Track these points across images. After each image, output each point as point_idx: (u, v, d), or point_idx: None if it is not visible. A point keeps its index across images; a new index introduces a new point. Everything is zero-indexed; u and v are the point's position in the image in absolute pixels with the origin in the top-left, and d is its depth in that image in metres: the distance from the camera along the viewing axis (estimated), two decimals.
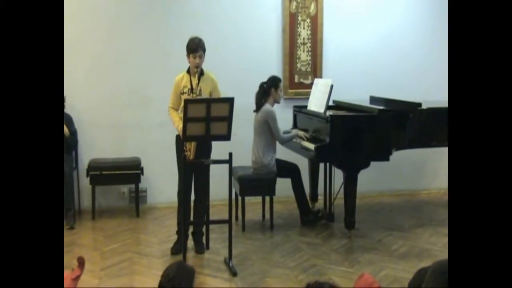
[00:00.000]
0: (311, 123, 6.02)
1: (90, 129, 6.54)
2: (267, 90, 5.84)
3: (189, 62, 5.08)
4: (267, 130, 5.76)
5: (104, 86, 6.57)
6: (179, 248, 5.11)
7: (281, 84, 5.97)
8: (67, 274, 3.00)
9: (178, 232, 5.26)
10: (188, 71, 5.12)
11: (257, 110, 5.86)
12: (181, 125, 4.89)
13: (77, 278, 3.14)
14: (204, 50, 5.06)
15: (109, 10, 6.55)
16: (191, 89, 5.05)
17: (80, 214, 6.38)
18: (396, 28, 7.22)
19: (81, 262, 3.22)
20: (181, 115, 5.02)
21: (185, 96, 5.03)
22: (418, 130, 5.59)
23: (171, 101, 5.23)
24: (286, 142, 6.02)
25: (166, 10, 6.67)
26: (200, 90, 5.05)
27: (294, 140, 5.98)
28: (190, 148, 5.00)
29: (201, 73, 5.09)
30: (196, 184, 5.22)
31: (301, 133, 5.94)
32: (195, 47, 5.00)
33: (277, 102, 5.94)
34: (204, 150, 5.04)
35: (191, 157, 4.98)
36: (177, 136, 5.16)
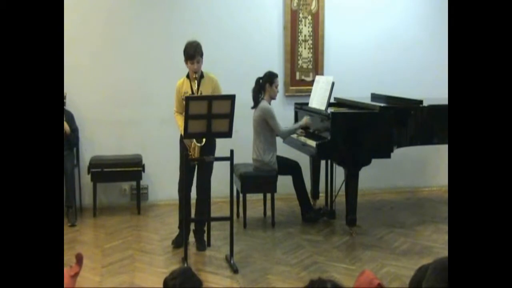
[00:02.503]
0: (313, 120, 6.02)
1: (92, 126, 6.55)
2: (263, 86, 5.83)
3: (187, 67, 5.08)
4: (265, 128, 5.75)
5: (105, 83, 6.57)
6: (180, 241, 5.11)
7: (277, 80, 5.90)
8: (65, 272, 3.00)
9: (180, 227, 5.28)
10: (188, 76, 5.11)
11: (255, 106, 5.85)
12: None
13: (75, 275, 3.14)
14: (201, 55, 5.03)
15: (110, 7, 6.54)
16: (192, 94, 5.04)
17: (81, 211, 6.39)
18: (397, 25, 7.21)
19: (79, 259, 3.21)
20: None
21: None
22: (420, 127, 5.59)
23: (175, 106, 5.26)
24: (288, 135, 6.00)
25: (167, 7, 6.66)
26: (201, 94, 5.03)
27: (295, 136, 5.97)
28: (195, 148, 4.99)
29: (201, 76, 5.09)
30: (198, 182, 5.22)
31: (304, 121, 5.90)
32: (192, 54, 4.97)
33: (273, 98, 5.92)
34: (208, 149, 5.03)
35: (196, 156, 4.98)
36: (181, 135, 5.17)
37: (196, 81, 5.04)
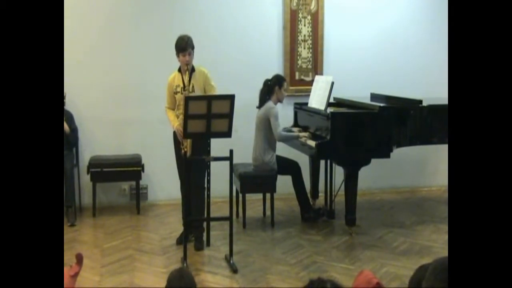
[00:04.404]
0: (312, 120, 6.02)
1: (91, 126, 6.55)
2: (271, 88, 5.84)
3: (179, 61, 5.11)
4: (268, 127, 5.75)
5: (104, 83, 6.57)
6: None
7: (285, 84, 5.95)
8: (65, 271, 2.99)
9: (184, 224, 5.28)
10: (179, 70, 5.14)
11: (260, 106, 5.85)
12: (176, 124, 5.02)
13: (75, 275, 3.13)
14: (192, 47, 5.10)
15: (110, 7, 6.54)
16: (184, 87, 5.06)
17: (81, 211, 6.38)
18: (397, 25, 7.21)
19: (79, 259, 3.21)
20: (177, 113, 5.06)
21: (178, 96, 5.08)
22: (419, 127, 5.58)
23: (167, 101, 5.31)
24: (284, 140, 5.99)
25: (167, 6, 6.66)
26: (193, 87, 5.07)
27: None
28: (186, 145, 5.00)
29: (192, 70, 5.12)
30: (193, 180, 5.20)
31: (302, 134, 5.89)
32: (184, 46, 5.03)
33: (280, 101, 5.92)
34: (201, 146, 5.01)
35: (188, 153, 4.99)
36: (175, 133, 5.19)
37: (188, 74, 5.06)
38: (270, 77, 5.92)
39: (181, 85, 5.09)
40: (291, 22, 6.91)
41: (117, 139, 6.64)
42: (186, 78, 5.07)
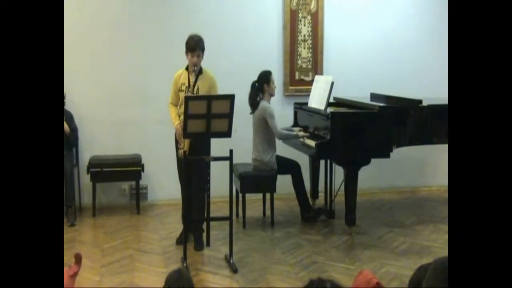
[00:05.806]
0: (312, 120, 6.02)
1: (91, 126, 6.54)
2: (261, 88, 5.84)
3: (187, 59, 5.09)
4: (266, 127, 5.75)
5: (104, 83, 6.57)
6: (182, 239, 5.10)
7: (272, 76, 5.92)
8: (64, 271, 3.00)
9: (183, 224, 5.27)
10: (187, 68, 5.12)
11: (254, 110, 5.85)
12: (176, 122, 4.97)
13: (74, 275, 3.14)
14: (203, 49, 5.06)
15: (110, 7, 6.54)
16: (189, 87, 5.05)
17: (80, 211, 6.38)
18: (397, 24, 7.21)
19: (78, 259, 3.21)
20: (180, 111, 5.05)
21: (182, 94, 5.06)
22: (419, 127, 5.58)
23: (171, 97, 5.30)
24: (285, 139, 6.02)
25: (167, 7, 6.66)
26: (198, 88, 5.05)
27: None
28: (184, 145, 5.00)
29: (200, 72, 5.10)
30: (194, 181, 5.20)
31: (301, 134, 5.89)
32: (194, 46, 5.00)
33: (272, 95, 5.92)
34: (199, 146, 5.01)
35: (186, 149, 4.98)
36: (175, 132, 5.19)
37: (194, 74, 5.04)
38: None
39: (186, 83, 5.08)
40: (291, 22, 6.91)
41: (117, 139, 6.64)
42: (192, 79, 5.06)
